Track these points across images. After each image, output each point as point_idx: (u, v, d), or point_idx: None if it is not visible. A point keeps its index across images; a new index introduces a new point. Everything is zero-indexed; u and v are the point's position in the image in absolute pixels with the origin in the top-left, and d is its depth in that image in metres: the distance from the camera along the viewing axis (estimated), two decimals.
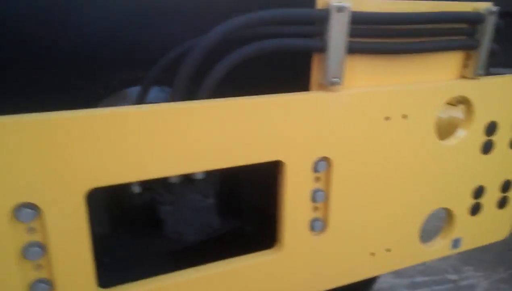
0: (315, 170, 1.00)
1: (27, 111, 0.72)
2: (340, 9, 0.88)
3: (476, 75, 1.14)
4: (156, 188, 0.93)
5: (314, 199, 1.03)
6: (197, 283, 0.96)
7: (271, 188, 1.03)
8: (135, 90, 1.28)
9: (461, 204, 1.31)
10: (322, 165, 1.01)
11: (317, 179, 1.03)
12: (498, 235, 1.48)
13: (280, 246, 1.04)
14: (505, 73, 1.26)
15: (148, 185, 0.93)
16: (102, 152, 0.77)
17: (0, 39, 0.96)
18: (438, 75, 1.13)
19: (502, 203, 1.40)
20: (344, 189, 1.06)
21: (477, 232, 1.40)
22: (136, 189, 0.93)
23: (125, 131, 0.78)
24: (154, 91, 1.31)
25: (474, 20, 1.07)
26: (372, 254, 1.20)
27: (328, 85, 0.94)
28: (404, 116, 1.07)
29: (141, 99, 1.02)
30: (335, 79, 0.94)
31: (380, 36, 0.96)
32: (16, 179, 0.71)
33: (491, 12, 1.08)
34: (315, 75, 0.97)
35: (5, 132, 0.69)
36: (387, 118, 1.04)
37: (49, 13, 1.00)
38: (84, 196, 0.78)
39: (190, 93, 0.88)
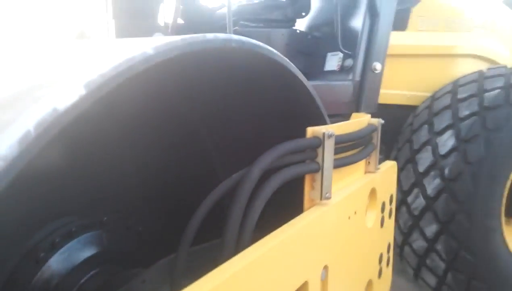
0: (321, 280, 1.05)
1: None
2: (330, 135, 1.01)
3: (376, 170, 1.45)
4: None
5: None
6: None
7: None
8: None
9: (375, 272, 1.56)
10: (324, 274, 1.06)
11: None
12: (387, 288, 1.79)
13: None
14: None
15: None
16: None
17: None
18: (357, 174, 1.38)
19: (387, 262, 1.73)
20: (335, 287, 1.13)
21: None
22: None
23: None
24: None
25: (373, 131, 1.39)
26: None
27: (323, 200, 1.04)
28: (355, 213, 1.25)
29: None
30: (328, 194, 1.04)
31: (346, 151, 1.14)
32: None
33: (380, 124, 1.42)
34: (309, 194, 1.05)
35: None
36: (349, 217, 1.20)
37: None
38: None
39: None
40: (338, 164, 1.10)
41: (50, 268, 0.93)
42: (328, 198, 1.04)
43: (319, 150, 1.01)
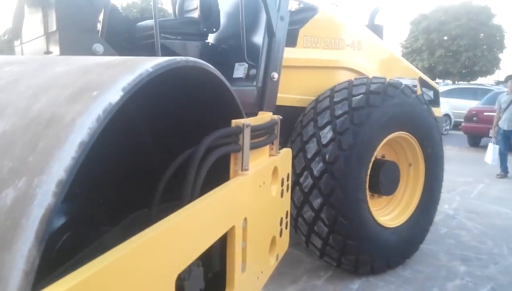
0: (243, 227, 1.43)
1: None
2: (247, 125, 1.41)
3: (277, 153, 1.89)
4: None
5: (242, 248, 1.44)
6: None
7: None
8: None
9: (277, 231, 1.99)
10: (244, 224, 1.45)
11: None
12: (286, 247, 2.25)
13: (231, 286, 1.38)
14: None
15: None
16: None
17: None
18: (264, 156, 1.80)
19: (286, 225, 2.19)
20: (252, 235, 1.52)
21: (281, 247, 2.12)
22: None
23: None
24: None
25: (275, 124, 1.82)
26: (258, 277, 1.68)
27: (243, 172, 1.42)
28: (264, 183, 1.66)
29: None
30: (246, 167, 1.43)
31: (257, 138, 1.54)
32: None
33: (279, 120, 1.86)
34: (233, 167, 1.42)
35: None
36: (260, 186, 1.60)
37: None
38: None
39: None
40: (253, 146, 1.49)
41: None
42: (247, 170, 1.43)
43: (240, 136, 1.39)
